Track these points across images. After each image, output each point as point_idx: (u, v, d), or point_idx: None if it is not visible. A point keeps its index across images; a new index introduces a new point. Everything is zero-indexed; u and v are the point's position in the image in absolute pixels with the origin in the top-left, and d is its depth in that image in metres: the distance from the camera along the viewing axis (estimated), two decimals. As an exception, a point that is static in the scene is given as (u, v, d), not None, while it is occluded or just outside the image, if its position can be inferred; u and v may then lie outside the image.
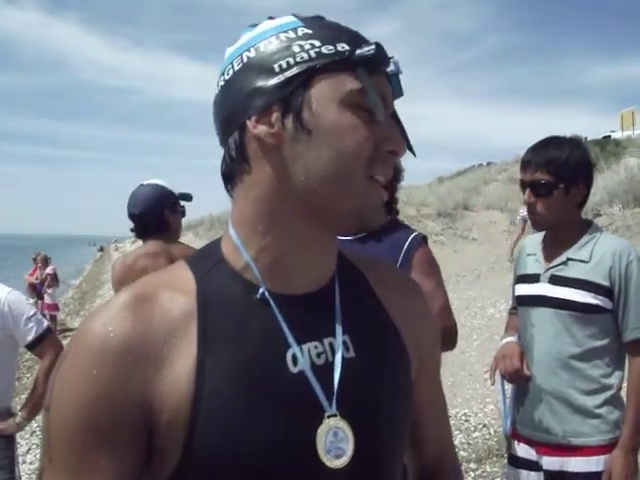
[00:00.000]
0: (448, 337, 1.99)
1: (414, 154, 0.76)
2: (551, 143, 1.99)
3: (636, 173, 9.76)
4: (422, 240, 2.06)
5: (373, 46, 0.70)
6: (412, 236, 2.04)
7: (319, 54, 0.69)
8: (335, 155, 0.69)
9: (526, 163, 1.99)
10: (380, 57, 0.71)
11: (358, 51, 0.70)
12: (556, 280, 1.97)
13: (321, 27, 0.72)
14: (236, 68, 0.73)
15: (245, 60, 0.72)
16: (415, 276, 1.85)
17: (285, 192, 0.71)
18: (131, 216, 2.55)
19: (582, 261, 1.94)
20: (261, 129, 0.70)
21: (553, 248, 2.03)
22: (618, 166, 10.99)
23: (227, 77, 0.73)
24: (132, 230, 2.62)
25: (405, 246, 2.00)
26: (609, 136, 20.03)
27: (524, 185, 1.99)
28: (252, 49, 0.72)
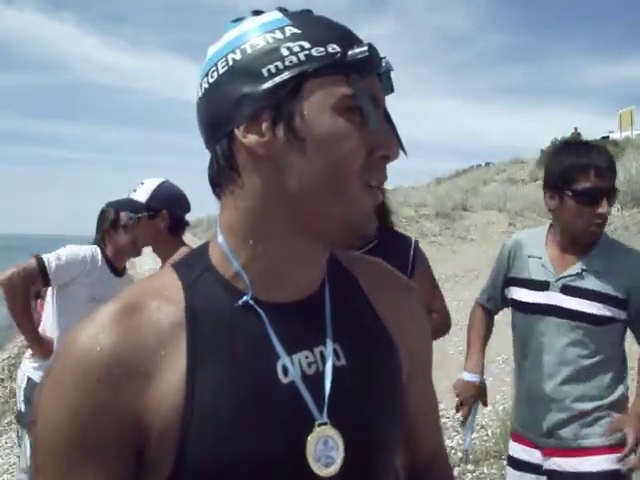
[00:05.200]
0: (447, 326, 2.32)
1: (405, 153, 0.74)
2: (595, 147, 1.90)
3: (634, 174, 9.76)
4: (419, 245, 2.22)
5: (365, 48, 0.67)
6: (413, 243, 2.19)
7: (309, 57, 0.67)
8: (329, 164, 0.67)
9: (599, 169, 1.82)
10: (372, 59, 0.68)
11: (350, 52, 0.67)
12: (569, 290, 1.89)
13: (309, 25, 0.69)
14: (221, 71, 0.70)
15: (230, 63, 0.69)
16: (421, 279, 2.09)
17: (277, 202, 0.69)
18: (182, 214, 2.49)
19: (596, 272, 1.87)
20: (251, 139, 0.68)
21: (565, 255, 1.94)
22: (616, 166, 10.97)
23: (211, 80, 0.70)
24: (178, 230, 2.46)
25: (411, 254, 2.15)
26: (607, 137, 20.04)
27: (598, 194, 1.81)
28: (237, 50, 0.69)
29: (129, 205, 2.44)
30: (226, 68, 0.69)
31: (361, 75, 0.68)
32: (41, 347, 2.83)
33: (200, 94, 0.73)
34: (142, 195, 2.42)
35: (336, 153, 0.67)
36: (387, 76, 0.72)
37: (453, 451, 4.49)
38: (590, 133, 20.69)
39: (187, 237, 2.70)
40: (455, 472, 4.13)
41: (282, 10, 0.72)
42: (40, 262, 2.72)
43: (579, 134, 20.25)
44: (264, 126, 0.68)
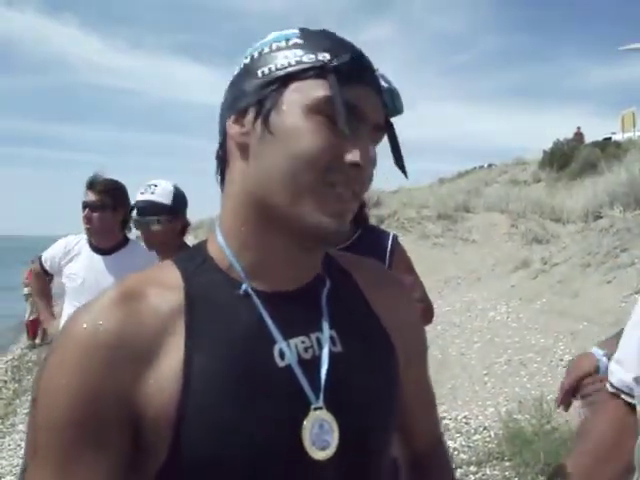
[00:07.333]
0: (430, 315, 2.45)
1: (406, 175, 0.77)
2: None
3: (637, 175, 9.74)
4: (397, 239, 2.38)
5: (348, 55, 0.71)
6: (391, 237, 2.35)
7: (299, 62, 0.72)
8: (290, 157, 0.70)
9: None
10: (355, 66, 0.72)
11: (335, 59, 0.71)
12: None
13: (313, 38, 0.74)
14: (235, 73, 0.78)
15: (242, 66, 0.78)
16: (401, 270, 2.26)
17: (250, 191, 0.74)
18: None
19: None
20: (234, 128, 0.75)
21: None
22: (619, 168, 10.97)
23: (230, 81, 0.79)
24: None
25: (388, 247, 2.29)
26: (610, 138, 20.00)
27: None
28: (249, 57, 0.77)
29: (164, 210, 2.44)
30: (238, 71, 0.78)
31: (346, 82, 0.70)
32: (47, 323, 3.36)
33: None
34: (166, 198, 2.44)
35: (297, 148, 0.70)
36: (389, 95, 0.76)
37: (456, 452, 4.49)
38: (593, 134, 20.65)
39: (188, 239, 2.71)
40: (458, 474, 4.13)
41: (302, 29, 0.76)
42: (40, 261, 3.18)
43: (582, 134, 20.22)
44: (247, 118, 0.74)
